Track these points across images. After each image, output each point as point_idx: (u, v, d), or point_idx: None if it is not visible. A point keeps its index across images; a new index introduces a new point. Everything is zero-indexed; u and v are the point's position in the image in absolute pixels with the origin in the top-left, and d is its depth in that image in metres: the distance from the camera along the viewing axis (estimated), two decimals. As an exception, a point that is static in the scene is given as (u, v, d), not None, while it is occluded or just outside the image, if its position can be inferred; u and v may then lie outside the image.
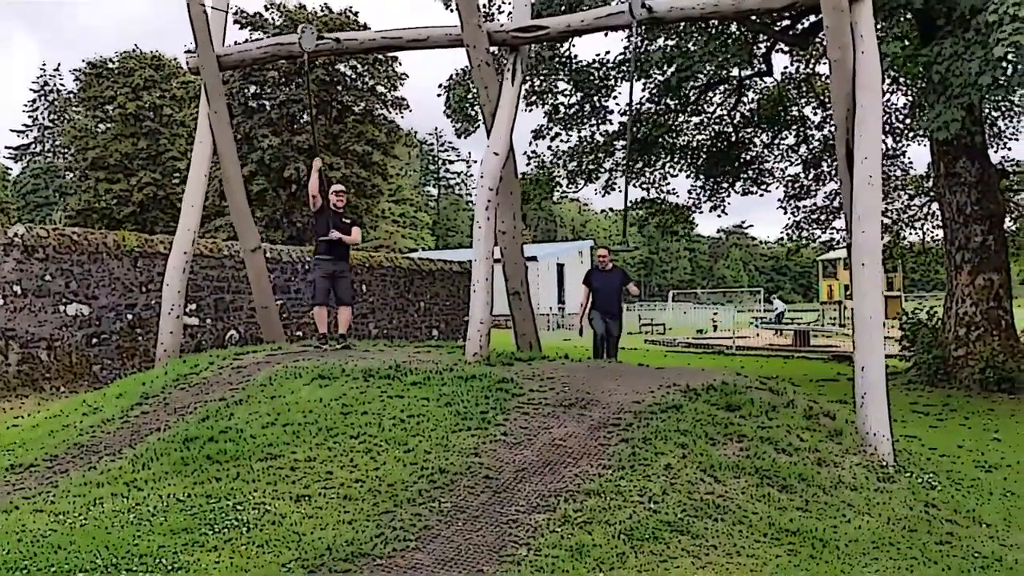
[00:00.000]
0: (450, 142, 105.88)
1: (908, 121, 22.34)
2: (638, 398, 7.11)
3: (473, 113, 19.26)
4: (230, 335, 14.30)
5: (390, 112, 41.19)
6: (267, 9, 38.33)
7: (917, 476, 6.76)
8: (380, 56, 37.57)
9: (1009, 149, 40.52)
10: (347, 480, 5.92)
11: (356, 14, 39.06)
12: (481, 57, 9.24)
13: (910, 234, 26.00)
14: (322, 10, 39.03)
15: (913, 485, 6.49)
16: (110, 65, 47.49)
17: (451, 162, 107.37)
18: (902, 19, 17.41)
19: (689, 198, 23.94)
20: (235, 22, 36.59)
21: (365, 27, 38.20)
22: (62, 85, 61.66)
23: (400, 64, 40.42)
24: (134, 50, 48.19)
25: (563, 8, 15.88)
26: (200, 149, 10.67)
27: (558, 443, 6.34)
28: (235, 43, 10.95)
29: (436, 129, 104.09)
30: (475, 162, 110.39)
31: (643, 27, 9.18)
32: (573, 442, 6.34)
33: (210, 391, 8.00)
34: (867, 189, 7.54)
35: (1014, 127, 23.02)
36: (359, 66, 38.55)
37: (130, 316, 12.52)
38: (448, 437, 6.47)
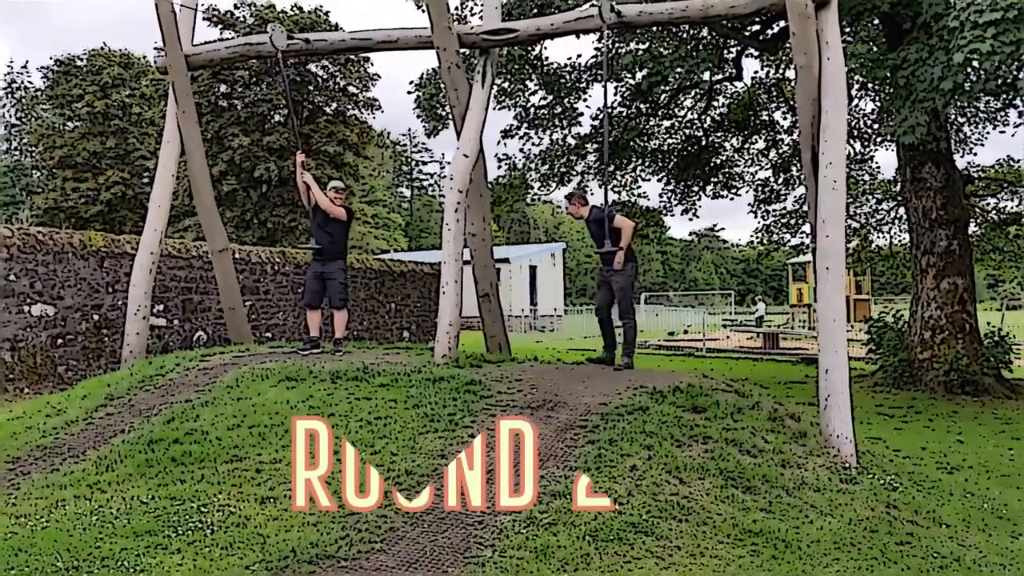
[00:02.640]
0: (423, 143, 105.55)
1: (876, 126, 22.61)
2: (605, 400, 7.15)
3: (443, 113, 19.28)
4: (197, 336, 14.20)
5: (362, 113, 41.10)
6: (237, 8, 38.13)
7: (879, 477, 6.84)
8: (352, 56, 37.47)
9: (975, 155, 40.90)
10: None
11: (327, 14, 38.95)
12: (451, 59, 9.24)
13: (878, 238, 26.31)
14: (292, 9, 38.87)
15: (875, 486, 6.56)
16: (78, 63, 46.97)
17: (424, 163, 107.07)
18: (869, 23, 17.61)
19: (660, 201, 24.09)
20: (205, 19, 36.36)
21: (336, 27, 38.12)
22: (30, 83, 60.85)
23: (372, 64, 40.43)
24: (103, 48, 47.69)
25: (533, 11, 15.93)
26: (168, 149, 10.60)
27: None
28: (205, 41, 10.88)
29: (409, 130, 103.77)
30: (448, 163, 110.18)
31: (613, 31, 9.19)
32: (540, 443, 6.35)
33: (176, 393, 7.95)
34: (831, 194, 7.62)
35: (979, 133, 23.36)
36: (331, 66, 38.43)
37: (96, 317, 12.40)
38: (415, 439, 6.47)
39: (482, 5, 18.33)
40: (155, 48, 38.83)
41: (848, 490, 6.33)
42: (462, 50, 9.41)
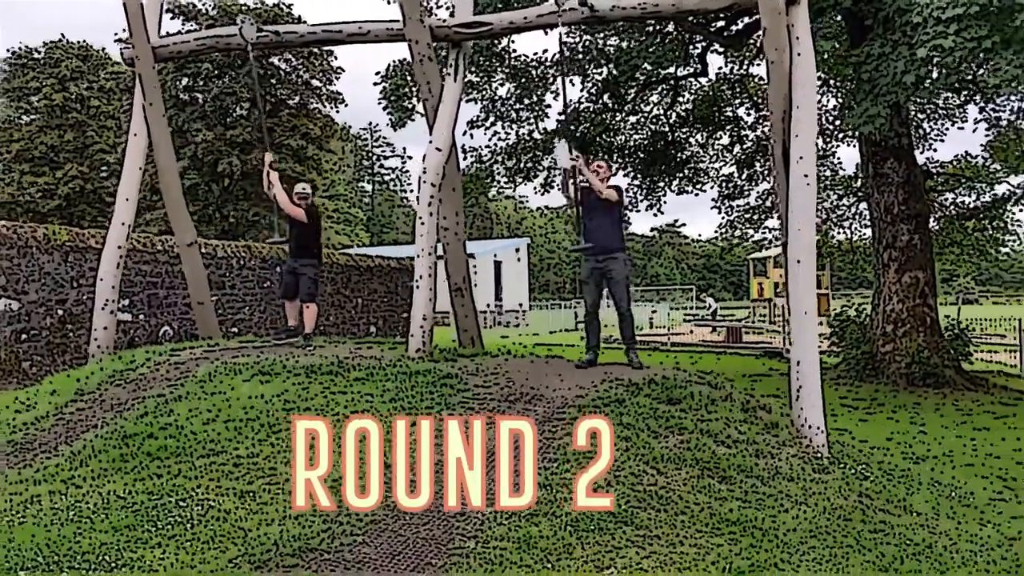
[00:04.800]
0: (384, 137, 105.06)
1: (838, 122, 22.88)
2: (581, 392, 7.19)
3: (409, 105, 19.26)
4: (163, 331, 14.07)
5: (325, 106, 40.84)
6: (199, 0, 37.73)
7: (850, 467, 6.95)
8: (316, 50, 37.22)
9: (934, 151, 41.66)
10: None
11: (290, 7, 38.63)
12: (423, 52, 9.22)
13: (838, 233, 26.66)
14: (255, 2, 38.50)
15: (847, 476, 6.67)
16: (35, 55, 46.21)
17: (386, 157, 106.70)
18: (832, 20, 17.83)
19: (627, 197, 24.20)
20: (167, 11, 35.90)
21: (300, 20, 37.82)
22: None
23: (336, 58, 40.16)
24: (60, 40, 46.94)
25: (499, 4, 15.94)
26: (135, 142, 10.46)
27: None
28: (167, 33, 10.76)
29: (371, 124, 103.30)
30: (410, 158, 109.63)
31: (585, 25, 9.23)
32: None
33: (148, 387, 7.86)
34: (803, 188, 7.72)
35: (938, 129, 23.74)
36: (294, 59, 38.14)
37: (61, 312, 12.24)
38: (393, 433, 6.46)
39: (450, -1, 18.38)
40: (115, 40, 38.36)
41: (821, 479, 6.43)
42: (434, 43, 9.39)
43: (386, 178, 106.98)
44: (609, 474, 5.83)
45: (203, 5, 37.51)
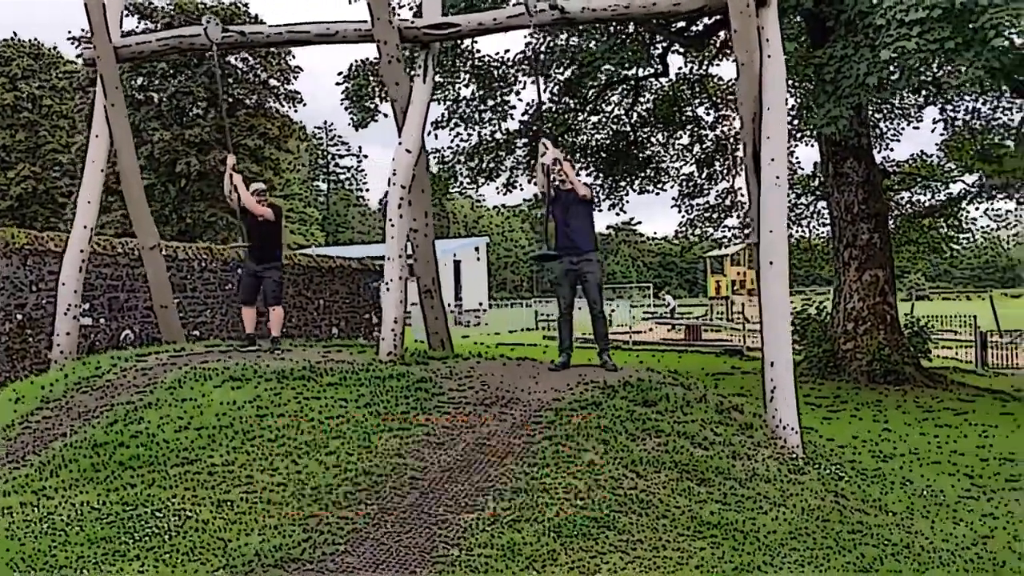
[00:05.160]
0: (340, 136, 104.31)
1: (796, 122, 23.11)
2: (557, 395, 7.17)
3: (371, 105, 19.15)
4: (124, 335, 13.82)
5: (283, 105, 40.43)
6: (154, -2, 37.17)
7: (825, 468, 7.00)
8: (273, 49, 36.82)
9: (891, 150, 42.16)
10: (269, 484, 5.80)
11: (246, 5, 38.18)
12: (392, 53, 9.14)
13: (796, 231, 26.95)
14: (212, 1, 37.99)
15: (822, 476, 6.72)
16: (-15, 53, 45.30)
17: (341, 156, 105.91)
18: (793, 21, 18.01)
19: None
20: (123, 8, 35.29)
21: (256, 19, 37.40)
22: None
23: (294, 57, 39.75)
24: (12, 38, 46.00)
25: (463, 5, 15.89)
26: (96, 143, 10.27)
27: (482, 442, 6.34)
28: (132, 32, 10.58)
29: (326, 123, 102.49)
30: (366, 157, 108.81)
31: (554, 27, 9.21)
32: (496, 440, 6.36)
33: (115, 394, 7.71)
34: (774, 190, 7.77)
35: (895, 129, 24.11)
36: (251, 59, 37.69)
37: (20, 316, 11.96)
38: (370, 438, 6.40)
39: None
40: (69, 39, 37.68)
41: (798, 480, 6.47)
42: (402, 44, 9.32)
43: (341, 177, 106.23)
44: (589, 478, 5.83)
45: (159, 3, 36.96)
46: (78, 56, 37.13)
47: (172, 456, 6.25)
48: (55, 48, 46.96)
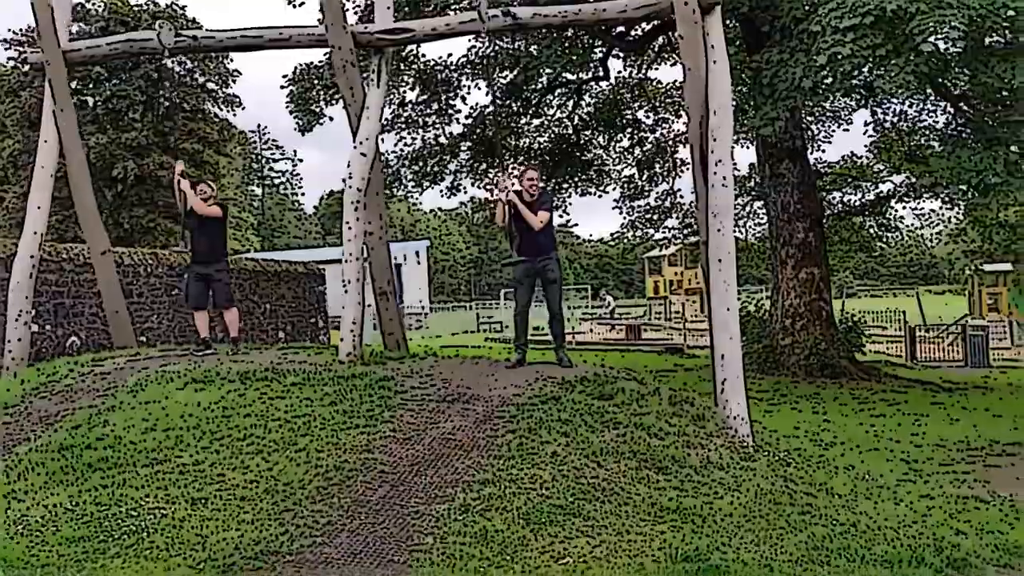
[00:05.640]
0: (274, 140, 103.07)
1: (734, 124, 23.65)
2: (518, 391, 7.38)
3: (316, 108, 19.19)
4: (71, 342, 13.71)
5: (222, 109, 40.05)
6: (87, 0, 36.52)
7: (773, 455, 7.33)
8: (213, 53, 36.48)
9: (823, 151, 43.20)
10: (241, 481, 5.92)
11: (184, 8, 37.80)
12: (346, 58, 9.27)
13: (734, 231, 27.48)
14: (147, 2, 37.51)
15: (772, 463, 7.04)
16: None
17: (275, 160, 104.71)
18: (728, 25, 18.47)
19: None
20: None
21: (194, 21, 37.03)
22: None
23: (232, 60, 39.37)
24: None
25: (407, 8, 16.06)
26: (45, 148, 10.22)
27: (447, 436, 6.53)
28: (80, 36, 10.54)
29: (259, 126, 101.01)
30: (300, 160, 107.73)
31: (505, 33, 9.43)
32: (462, 435, 6.55)
33: (76, 399, 7.74)
34: (721, 190, 8.08)
35: (827, 131, 24.81)
36: (188, 62, 37.27)
37: (-36, 324, 11.82)
38: (338, 435, 6.55)
39: (358, 3, 18.39)
40: (3, 40, 36.84)
41: (749, 467, 6.77)
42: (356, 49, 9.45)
43: (276, 181, 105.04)
44: (553, 468, 6.05)
45: (93, 7, 36.35)
46: (21, 60, 36.50)
47: (141, 457, 6.33)
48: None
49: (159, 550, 4.98)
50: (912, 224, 26.96)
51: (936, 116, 20.60)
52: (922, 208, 25.10)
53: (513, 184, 8.57)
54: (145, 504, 5.61)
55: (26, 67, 34.90)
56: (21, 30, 38.59)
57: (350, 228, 8.96)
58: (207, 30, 10.25)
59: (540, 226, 8.37)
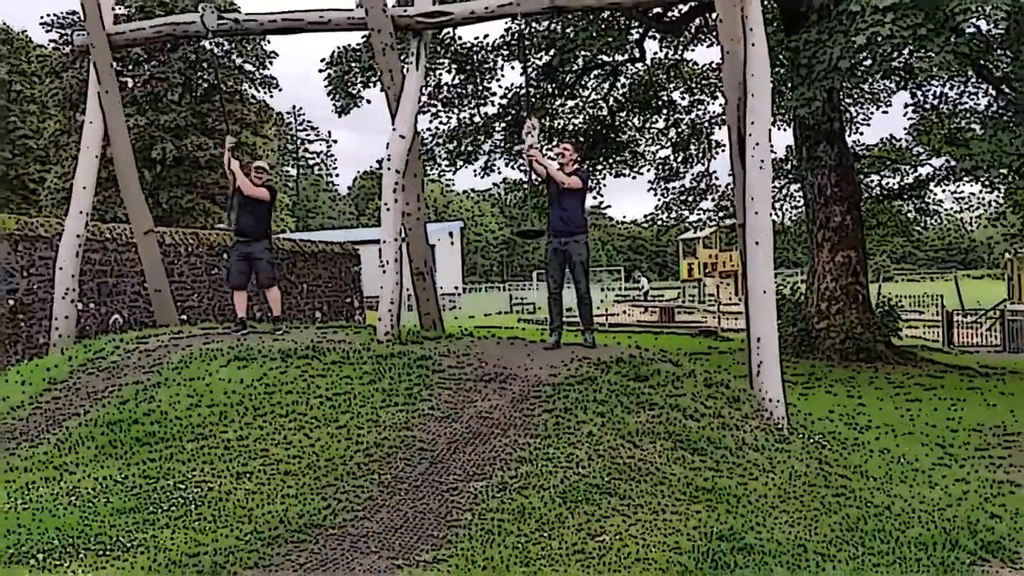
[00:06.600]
0: (309, 121, 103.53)
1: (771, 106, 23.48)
2: (553, 371, 7.47)
3: (355, 91, 19.30)
4: (114, 319, 13.97)
5: (259, 91, 40.34)
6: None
7: (808, 438, 7.37)
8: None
9: (861, 134, 42.66)
10: (284, 456, 6.07)
11: (222, -11, 37.98)
12: (385, 41, 9.35)
13: (772, 214, 27.29)
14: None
15: (807, 446, 7.08)
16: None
17: (310, 141, 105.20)
18: (766, 6, 18.35)
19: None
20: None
21: (232, 3, 37.25)
22: None
23: (269, 42, 39.58)
24: (-21, 23, 45.51)
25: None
26: (90, 129, 10.43)
27: (484, 415, 6.64)
28: (124, 18, 10.71)
29: (295, 107, 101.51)
30: (335, 142, 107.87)
31: (543, 16, 9.45)
32: (499, 414, 6.65)
33: (122, 375, 7.93)
34: (759, 173, 8.08)
35: (865, 113, 24.58)
36: (226, 44, 37.48)
37: (12, 302, 12.09)
38: (378, 413, 6.69)
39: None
40: (41, 23, 37.25)
41: (784, 449, 6.82)
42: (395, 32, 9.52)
43: (311, 162, 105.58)
44: (589, 447, 6.14)
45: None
46: (63, 42, 36.93)
47: (186, 432, 6.50)
48: (24, 32, 46.55)
49: (206, 522, 5.12)
50: (951, 208, 26.66)
51: (977, 98, 20.33)
52: (961, 191, 24.83)
53: (537, 131, 8.68)
54: (192, 477, 5.77)
55: (67, 48, 35.41)
56: (63, 13, 39.12)
57: (388, 209, 9.07)
58: (248, 13, 10.34)
59: (567, 183, 8.43)
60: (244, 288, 10.01)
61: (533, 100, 21.08)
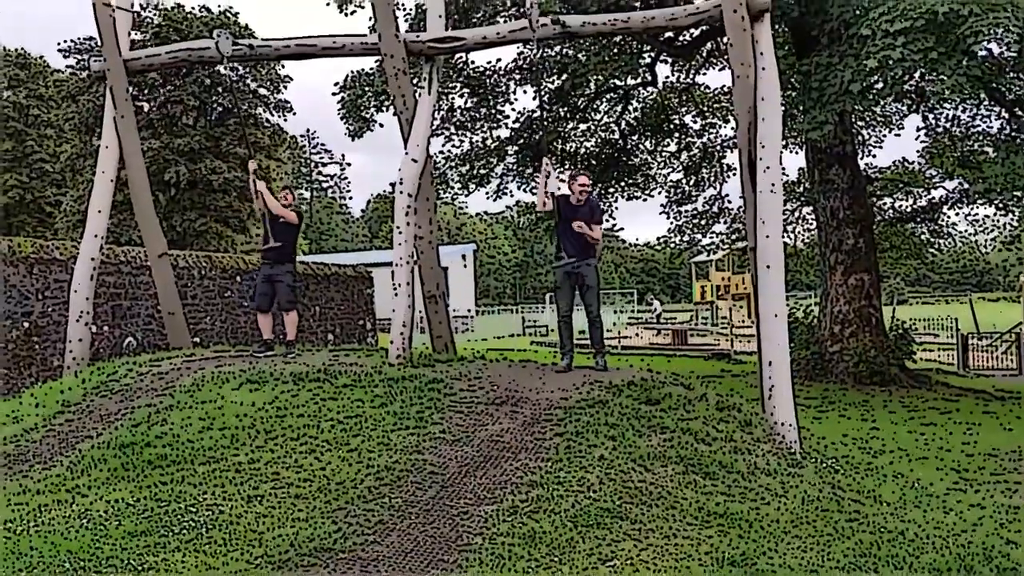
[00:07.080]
0: (322, 144, 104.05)
1: (783, 129, 23.48)
2: (565, 395, 7.47)
3: (367, 115, 19.43)
4: (128, 342, 14.03)
5: (273, 115, 40.63)
6: (144, 8, 37.32)
7: (821, 462, 7.34)
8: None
9: (873, 156, 42.70)
10: (295, 480, 6.08)
11: (237, 15, 38.42)
12: (398, 66, 9.43)
13: (783, 236, 27.23)
14: (201, 10, 38.16)
15: (819, 470, 7.05)
16: (-30, 62, 45.28)
17: (324, 164, 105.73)
18: (778, 30, 18.41)
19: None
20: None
21: (247, 28, 37.65)
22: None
23: (283, 67, 39.91)
24: (-2, 48, 46.08)
25: (455, 17, 16.22)
26: (106, 154, 10.54)
27: (496, 439, 6.63)
28: (141, 44, 10.83)
29: (308, 131, 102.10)
30: (348, 165, 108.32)
31: (555, 41, 9.51)
32: (510, 437, 6.65)
33: (135, 398, 7.97)
34: (769, 196, 8.10)
35: (877, 136, 24.55)
36: (240, 68, 37.78)
37: (27, 324, 12.16)
38: (389, 436, 6.69)
39: (409, 11, 18.62)
40: (59, 50, 37.67)
41: (796, 473, 6.78)
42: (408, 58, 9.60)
43: (324, 185, 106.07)
44: (601, 471, 6.12)
45: (148, 15, 37.11)
46: (80, 67, 37.35)
47: (198, 455, 6.52)
48: (42, 57, 47.06)
49: (217, 545, 5.13)
50: (965, 230, 26.54)
51: (990, 121, 20.28)
52: (975, 214, 24.70)
53: (556, 173, 8.72)
54: (203, 501, 5.78)
55: (84, 74, 35.76)
56: (80, 39, 39.56)
57: (401, 232, 9.12)
58: (263, 39, 10.46)
59: (597, 239, 8.64)
60: (268, 311, 10.12)
61: (546, 123, 21.19)
